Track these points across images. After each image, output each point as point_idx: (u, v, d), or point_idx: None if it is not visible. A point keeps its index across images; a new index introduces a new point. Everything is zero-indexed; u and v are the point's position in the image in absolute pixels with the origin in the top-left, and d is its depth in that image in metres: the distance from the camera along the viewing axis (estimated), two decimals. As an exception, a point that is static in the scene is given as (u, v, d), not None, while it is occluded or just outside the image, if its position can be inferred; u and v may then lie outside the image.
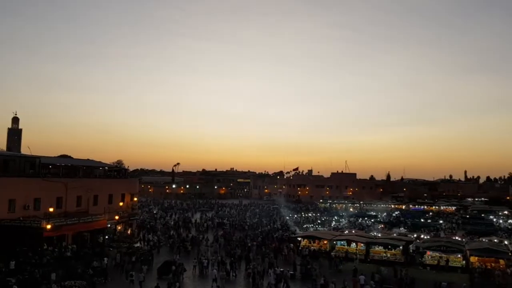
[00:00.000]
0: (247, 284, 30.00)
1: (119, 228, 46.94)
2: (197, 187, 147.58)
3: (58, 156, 58.50)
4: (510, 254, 37.12)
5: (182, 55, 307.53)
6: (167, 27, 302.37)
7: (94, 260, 32.38)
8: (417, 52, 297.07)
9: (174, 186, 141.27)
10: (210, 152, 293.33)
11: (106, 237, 41.42)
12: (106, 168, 53.18)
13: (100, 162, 54.35)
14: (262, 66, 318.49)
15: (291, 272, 32.36)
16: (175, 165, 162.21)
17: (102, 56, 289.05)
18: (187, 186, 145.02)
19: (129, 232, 47.88)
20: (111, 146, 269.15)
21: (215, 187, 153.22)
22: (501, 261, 35.69)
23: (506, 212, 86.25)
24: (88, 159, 54.68)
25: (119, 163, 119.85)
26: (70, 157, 61.49)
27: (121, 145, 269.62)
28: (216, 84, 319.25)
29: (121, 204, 48.32)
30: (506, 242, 44.50)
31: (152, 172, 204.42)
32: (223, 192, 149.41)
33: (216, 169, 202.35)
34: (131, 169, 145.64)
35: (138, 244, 42.05)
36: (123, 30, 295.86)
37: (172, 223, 61.89)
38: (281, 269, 31.46)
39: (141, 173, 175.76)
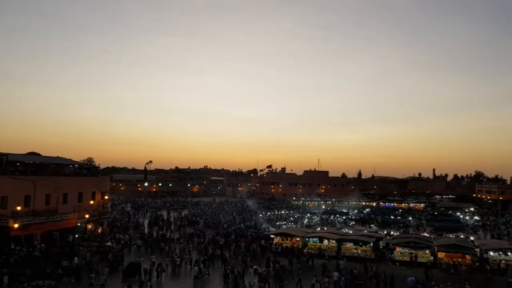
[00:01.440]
0: (224, 283, 29.28)
1: (90, 227, 46.20)
2: (170, 185, 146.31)
3: (26, 154, 56.85)
4: (476, 249, 38.30)
5: (155, 51, 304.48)
6: (140, 23, 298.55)
7: (63, 260, 31.74)
8: (388, 51, 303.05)
9: (146, 184, 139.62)
10: (184, 150, 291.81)
11: (76, 236, 40.73)
12: (76, 165, 52.21)
13: (70, 159, 53.34)
14: (237, 63, 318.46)
15: (265, 270, 32.41)
16: (147, 163, 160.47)
17: (74, 52, 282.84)
18: (160, 184, 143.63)
19: (100, 231, 47.14)
20: (82, 143, 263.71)
21: (188, 185, 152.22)
22: (467, 257, 36.80)
23: (472, 209, 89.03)
24: (57, 157, 53.54)
25: (90, 160, 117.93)
26: (38, 154, 59.81)
27: (92, 143, 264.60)
28: (190, 81, 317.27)
29: (91, 202, 47.59)
30: (472, 238, 45.96)
31: (124, 170, 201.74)
32: (196, 190, 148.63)
33: (189, 167, 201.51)
34: (102, 167, 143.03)
35: (109, 243, 41.43)
36: (96, 26, 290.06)
37: (147, 221, 61.27)
38: (263, 269, 31.16)
39: (113, 171, 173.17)
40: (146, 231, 50.73)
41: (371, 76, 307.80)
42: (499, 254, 37.03)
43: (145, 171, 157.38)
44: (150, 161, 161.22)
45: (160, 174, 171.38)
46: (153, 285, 28.17)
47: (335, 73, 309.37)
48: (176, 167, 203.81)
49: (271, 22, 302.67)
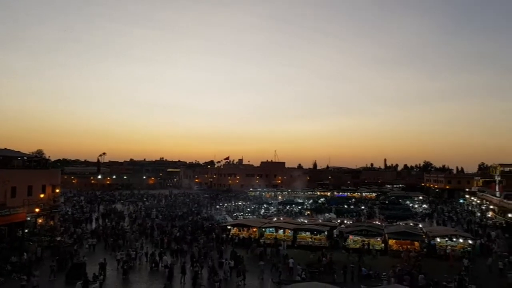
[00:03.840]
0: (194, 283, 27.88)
1: (40, 221, 44.61)
2: (125, 177, 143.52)
3: (-30, 146, 53.96)
4: (423, 236, 40.04)
5: (110, 40, 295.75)
6: (95, 10, 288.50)
7: (12, 255, 30.59)
8: (346, 45, 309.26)
9: (99, 176, 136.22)
10: (139, 141, 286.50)
11: (26, 230, 39.25)
12: (25, 158, 50.12)
13: (18, 152, 51.11)
14: (193, 55, 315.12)
15: (223, 261, 32.54)
16: (100, 155, 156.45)
17: (19, 38, 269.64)
18: (114, 177, 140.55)
19: (51, 224, 45.65)
20: (31, 135, 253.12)
21: (144, 177, 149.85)
22: (416, 243, 38.41)
23: (420, 197, 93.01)
24: (5, 149, 51.13)
25: (39, 153, 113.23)
26: (-16, 146, 56.96)
27: (42, 134, 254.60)
28: (145, 71, 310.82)
29: (42, 195, 45.88)
30: (420, 225, 47.98)
31: (76, 162, 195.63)
32: (152, 182, 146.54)
33: (144, 159, 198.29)
34: (52, 159, 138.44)
35: (61, 238, 40.16)
36: (45, 12, 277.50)
37: (100, 214, 59.82)
38: (225, 260, 30.78)
39: (64, 164, 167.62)
40: (99, 226, 49.09)
41: (327, 69, 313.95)
42: (446, 240, 38.87)
43: (98, 163, 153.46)
44: (104, 153, 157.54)
45: (114, 166, 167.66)
46: (105, 282, 27.42)
47: (292, 65, 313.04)
48: (131, 159, 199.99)
49: (228, 13, 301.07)
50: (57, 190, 50.64)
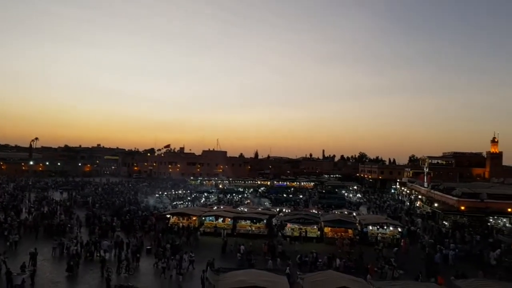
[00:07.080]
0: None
1: (-36, 209, 41.89)
2: (59, 164, 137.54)
3: None
4: (357, 224, 41.87)
5: (45, 20, 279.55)
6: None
7: None
8: (288, 38, 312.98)
9: (31, 162, 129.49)
10: (74, 127, 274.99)
11: None
12: None
13: None
14: (135, 39, 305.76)
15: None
16: (33, 140, 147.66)
17: None
18: (47, 163, 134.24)
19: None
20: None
21: (79, 164, 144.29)
22: (350, 231, 40.04)
23: (355, 187, 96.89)
24: None
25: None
26: None
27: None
28: (83, 54, 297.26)
29: (-34, 183, 43.07)
30: (354, 214, 50.05)
31: (6, 147, 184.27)
32: (88, 169, 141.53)
33: (80, 145, 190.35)
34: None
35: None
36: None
37: (31, 202, 57.05)
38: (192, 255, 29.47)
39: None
40: (29, 216, 45.86)
41: (271, 61, 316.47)
42: (377, 228, 40.85)
43: (30, 149, 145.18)
44: (36, 138, 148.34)
45: (48, 152, 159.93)
46: (36, 273, 26.14)
47: (236, 56, 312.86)
48: (66, 145, 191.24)
49: (178, 1, 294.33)
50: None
